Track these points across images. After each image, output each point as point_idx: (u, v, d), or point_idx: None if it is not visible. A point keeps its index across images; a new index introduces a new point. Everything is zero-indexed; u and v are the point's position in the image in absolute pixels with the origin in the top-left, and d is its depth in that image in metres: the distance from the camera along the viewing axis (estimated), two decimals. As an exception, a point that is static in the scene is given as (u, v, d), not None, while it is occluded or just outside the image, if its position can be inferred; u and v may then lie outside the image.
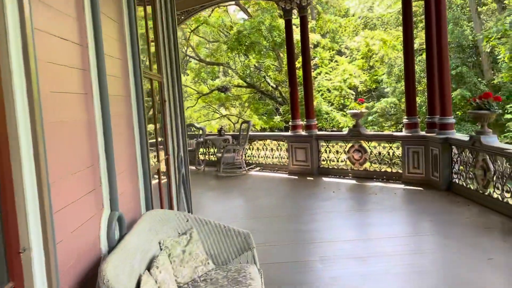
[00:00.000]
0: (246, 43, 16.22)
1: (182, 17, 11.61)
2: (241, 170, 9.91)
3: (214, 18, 18.73)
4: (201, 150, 11.38)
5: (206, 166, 10.80)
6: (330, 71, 18.84)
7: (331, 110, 17.38)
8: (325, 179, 8.74)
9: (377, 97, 25.17)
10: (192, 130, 11.51)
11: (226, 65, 20.82)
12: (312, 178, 8.90)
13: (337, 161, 9.00)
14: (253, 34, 16.04)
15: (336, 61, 19.24)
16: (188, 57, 22.08)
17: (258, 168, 10.20)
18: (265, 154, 10.31)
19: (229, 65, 20.79)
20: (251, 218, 6.31)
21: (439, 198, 6.75)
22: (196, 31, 20.54)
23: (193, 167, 10.95)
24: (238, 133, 10.46)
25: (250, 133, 10.28)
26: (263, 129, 24.90)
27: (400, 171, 8.09)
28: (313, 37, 17.29)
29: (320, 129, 20.11)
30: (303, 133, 9.39)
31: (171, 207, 4.54)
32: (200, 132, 11.27)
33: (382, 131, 17.96)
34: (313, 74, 17.90)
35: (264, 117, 22.88)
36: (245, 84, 22.41)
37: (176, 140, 5.14)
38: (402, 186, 7.66)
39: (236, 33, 16.56)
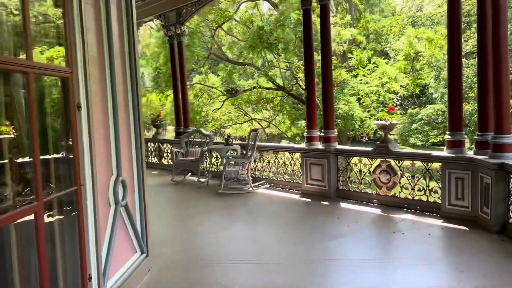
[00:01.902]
0: (269, 40, 14.66)
1: (193, 9, 10.28)
2: (247, 187, 8.41)
3: (241, 13, 17.37)
4: (208, 160, 9.99)
5: (212, 179, 9.37)
6: (368, 74, 16.95)
7: (366, 117, 15.48)
8: (343, 204, 7.07)
9: (425, 102, 22.96)
10: (198, 137, 10.12)
11: (252, 65, 19.36)
12: (327, 203, 7.24)
13: (360, 183, 7.30)
14: (276, 30, 14.47)
15: (374, 62, 17.30)
16: (214, 56, 20.81)
17: (267, 186, 8.65)
18: (277, 169, 8.74)
19: (257, 65, 19.31)
20: (231, 260, 4.79)
21: (490, 245, 4.96)
22: (223, 29, 19.25)
23: (196, 179, 9.56)
24: (246, 142, 8.96)
25: (259, 143, 8.75)
26: (295, 136, 23.25)
27: (438, 201, 6.30)
28: (346, 34, 15.48)
29: (353, 139, 18.44)
30: (320, 146, 7.75)
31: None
32: (207, 139, 9.87)
33: (419, 150, 15.96)
34: (348, 76, 16.10)
35: (298, 124, 21.29)
36: (274, 86, 20.88)
37: (115, 159, 3.73)
38: (440, 222, 5.89)
39: (257, 29, 15.04)
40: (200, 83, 21.45)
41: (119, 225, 3.79)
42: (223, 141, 9.52)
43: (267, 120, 24.89)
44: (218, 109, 22.51)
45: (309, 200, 7.49)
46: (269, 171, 8.87)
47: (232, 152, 9.39)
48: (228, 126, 26.96)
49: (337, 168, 7.59)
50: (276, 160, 8.75)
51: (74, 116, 3.01)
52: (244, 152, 8.89)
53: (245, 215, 6.83)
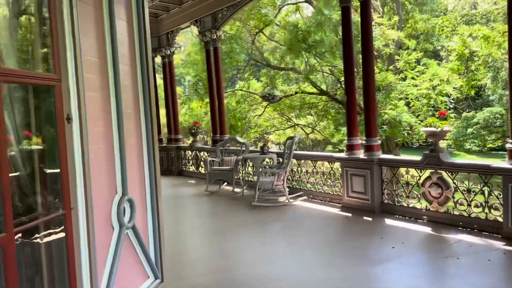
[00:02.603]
0: (307, 41, 14.04)
1: (228, 13, 9.92)
2: (283, 199, 7.86)
3: (281, 17, 16.89)
4: (244, 169, 9.55)
5: (249, 189, 8.91)
6: (417, 76, 15.91)
7: (416, 122, 14.46)
8: (388, 221, 6.35)
9: (480, 105, 21.42)
10: (234, 145, 9.70)
11: (293, 69, 18.80)
12: (370, 218, 6.56)
13: (407, 196, 6.55)
14: (316, 31, 13.83)
15: (424, 64, 16.23)
16: (255, 62, 20.43)
17: (304, 198, 8.06)
18: (315, 180, 8.12)
19: (299, 69, 18.73)
20: (260, 286, 4.26)
21: None
22: (264, 34, 18.83)
23: (231, 188, 9.13)
24: (283, 151, 8.43)
25: (296, 151, 8.19)
26: (340, 142, 22.35)
27: (500, 219, 5.46)
28: (392, 34, 14.59)
29: (402, 145, 17.37)
30: (362, 155, 7.07)
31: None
32: (243, 148, 9.43)
33: (476, 161, 14.78)
34: (393, 78, 15.16)
35: (342, 130, 20.46)
36: (317, 91, 20.19)
37: (119, 175, 3.34)
38: (501, 244, 5.07)
39: (294, 30, 14.47)
40: (241, 90, 21.15)
41: (126, 249, 3.39)
42: (259, 150, 9.02)
43: (310, 126, 24.20)
44: (260, 115, 22.11)
45: (349, 214, 6.83)
46: (307, 182, 8.27)
47: (269, 161, 8.89)
48: (271, 132, 26.52)
49: (381, 180, 6.88)
50: (315, 170, 8.14)
51: (62, 129, 2.63)
52: (281, 161, 8.36)
53: (279, 231, 6.28)
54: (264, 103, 22.00)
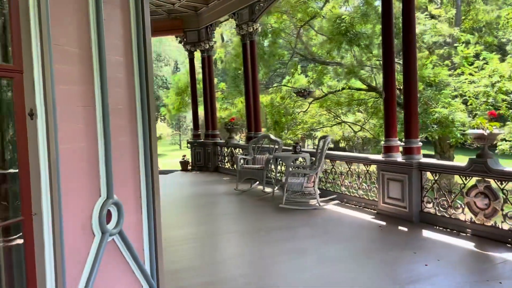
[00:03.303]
0: (349, 33, 13.30)
1: (265, 4, 9.52)
2: (313, 202, 7.37)
3: (328, 8, 16.19)
4: (276, 168, 9.13)
5: (281, 189, 8.48)
6: (476, 71, 14.66)
7: (471, 122, 13.29)
8: (425, 233, 5.70)
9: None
10: (267, 142, 9.30)
11: (339, 64, 18.02)
12: (405, 229, 5.93)
13: (449, 206, 5.85)
14: (361, 22, 13.05)
15: (484, 58, 14.91)
16: (301, 56, 19.85)
17: (336, 202, 7.51)
18: (350, 183, 7.55)
19: (346, 64, 17.93)
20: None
21: None
22: (308, 26, 18.19)
23: (262, 187, 8.75)
24: (315, 150, 7.91)
25: (330, 151, 7.66)
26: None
27: (558, 239, 4.69)
28: (446, 29, 13.49)
29: (458, 146, 16.11)
30: (400, 158, 6.43)
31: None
32: (276, 146, 9.01)
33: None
34: (448, 74, 14.04)
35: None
36: (365, 87, 19.28)
37: (104, 177, 3.06)
38: (559, 269, 4.32)
39: (337, 22, 13.75)
40: (285, 85, 20.64)
41: (111, 257, 3.10)
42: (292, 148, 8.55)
43: (358, 123, 23.26)
44: (304, 111, 21.51)
45: (383, 223, 6.23)
46: (341, 185, 7.71)
47: (302, 160, 8.41)
48: (317, 129, 25.85)
49: (420, 186, 6.21)
50: (350, 172, 7.56)
51: (22, 126, 2.36)
52: (314, 161, 7.86)
53: (302, 239, 5.80)
54: (310, 99, 21.39)
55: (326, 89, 20.64)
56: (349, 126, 23.97)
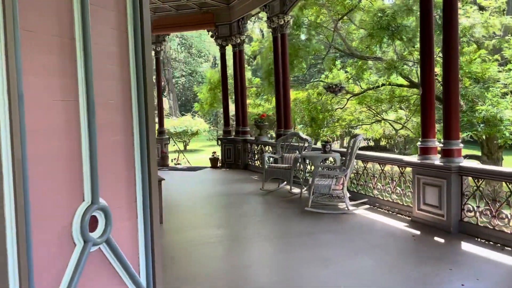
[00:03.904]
0: (391, 27, 12.53)
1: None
2: (342, 205, 6.87)
3: (367, 1, 15.40)
4: (303, 168, 8.67)
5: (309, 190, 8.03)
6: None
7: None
8: (465, 245, 5.09)
9: None
10: (296, 141, 8.84)
11: (379, 59, 17.17)
12: (442, 240, 5.33)
13: (494, 216, 5.20)
14: (404, 15, 12.25)
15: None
16: (338, 50, 19.14)
17: (367, 206, 6.97)
18: (383, 186, 6.98)
19: (386, 58, 17.07)
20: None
21: None
22: (348, 19, 17.43)
23: (289, 188, 8.31)
24: (345, 150, 7.39)
25: (361, 151, 7.12)
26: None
27: None
28: (495, 22, 12.44)
29: (505, 147, 14.92)
30: (438, 161, 5.82)
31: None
32: (306, 144, 8.54)
33: None
34: (497, 70, 12.98)
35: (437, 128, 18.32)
36: (407, 83, 18.31)
37: (88, 179, 2.77)
38: None
39: (377, 13, 12.99)
40: (322, 81, 19.99)
41: (98, 269, 2.81)
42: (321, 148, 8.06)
43: (399, 121, 22.23)
44: (342, 108, 20.77)
45: (418, 232, 5.65)
46: (374, 188, 7.15)
47: (332, 160, 7.91)
48: (356, 127, 24.99)
49: (460, 193, 5.58)
50: (383, 174, 6.99)
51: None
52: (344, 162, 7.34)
53: (330, 246, 5.30)
54: (348, 95, 20.64)
55: (365, 85, 19.82)
56: (390, 124, 22.97)
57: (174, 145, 14.22)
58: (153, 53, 13.31)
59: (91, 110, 2.74)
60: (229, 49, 12.45)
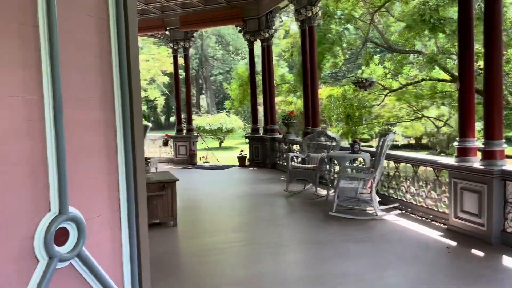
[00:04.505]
0: (432, 19, 11.68)
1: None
2: (370, 211, 6.33)
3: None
4: (330, 169, 8.14)
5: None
6: None
7: None
8: (507, 260, 4.45)
9: None
10: (324, 139, 8.32)
11: (418, 52, 16.22)
12: (481, 253, 4.70)
13: (543, 228, 4.52)
14: (445, 6, 11.39)
15: None
16: (375, 44, 18.28)
17: (398, 212, 6.38)
18: (416, 190, 6.36)
19: (427, 52, 16.10)
20: None
21: None
22: (386, 11, 16.57)
23: (317, 189, 7.82)
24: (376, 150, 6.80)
25: (392, 152, 6.53)
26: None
27: None
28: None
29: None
30: (478, 164, 5.17)
31: None
32: (334, 143, 8.01)
33: None
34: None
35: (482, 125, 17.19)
36: (449, 78, 17.21)
37: (55, 186, 2.46)
38: None
39: (418, 5, 12.15)
40: (356, 76, 19.20)
41: (68, 286, 2.49)
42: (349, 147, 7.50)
43: (441, 119, 21.05)
44: (378, 104, 19.88)
45: (453, 243, 5.04)
46: (406, 191, 6.54)
47: (361, 161, 7.36)
48: (395, 124, 23.96)
49: (503, 200, 4.92)
50: (416, 177, 6.37)
51: None
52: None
53: (354, 257, 4.78)
54: (385, 91, 19.73)
55: (404, 81, 18.87)
56: (431, 121, 21.83)
57: (202, 143, 13.98)
58: (181, 50, 13.12)
59: (58, 108, 2.41)
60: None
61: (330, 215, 6.25)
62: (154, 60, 28.07)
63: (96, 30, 2.73)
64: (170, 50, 13.30)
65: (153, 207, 5.88)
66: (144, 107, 32.89)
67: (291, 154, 8.13)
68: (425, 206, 6.14)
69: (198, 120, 25.58)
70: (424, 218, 6.05)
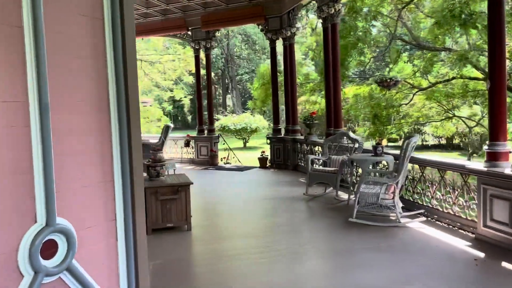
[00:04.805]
0: (463, 14, 11.13)
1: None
2: (393, 217, 6.01)
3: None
4: (351, 172, 7.83)
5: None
6: None
7: None
8: (543, 277, 4.09)
9: None
10: (346, 141, 8.02)
11: (448, 49, 15.59)
12: (513, 267, 4.35)
13: None
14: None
15: None
16: (403, 42, 17.70)
17: (423, 219, 6.03)
18: (443, 196, 5.99)
19: (458, 49, 15.45)
20: None
21: None
22: (415, 6, 16.00)
23: (337, 193, 7.54)
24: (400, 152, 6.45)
25: (417, 155, 6.19)
26: None
27: None
28: None
29: None
30: (508, 170, 4.79)
31: None
32: (356, 145, 7.70)
33: None
34: None
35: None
36: (482, 76, 16.47)
37: (41, 196, 2.34)
38: None
39: (449, 2, 11.61)
40: (379, 75, 18.67)
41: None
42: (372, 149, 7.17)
43: (474, 118, 20.23)
44: (407, 103, 19.26)
45: (482, 255, 4.69)
46: (432, 197, 6.18)
47: (385, 165, 7.04)
48: (425, 124, 23.23)
49: (539, 209, 4.54)
50: (443, 182, 6.00)
51: None
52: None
53: (372, 269, 4.46)
54: (414, 90, 19.10)
55: (434, 79, 18.20)
56: (463, 121, 21.02)
57: (223, 144, 13.85)
58: (203, 50, 13.02)
59: (44, 113, 2.28)
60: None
61: (349, 221, 5.97)
62: (180, 60, 28.22)
63: (89, 31, 2.60)
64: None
65: (167, 211, 5.76)
66: (170, 107, 33.12)
67: (311, 157, 7.86)
68: (452, 213, 5.78)
69: (223, 120, 25.54)
70: (450, 226, 5.69)
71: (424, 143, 28.44)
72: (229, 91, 45.80)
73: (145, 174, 6.53)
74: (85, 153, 2.55)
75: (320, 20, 9.40)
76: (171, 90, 30.13)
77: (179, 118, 41.94)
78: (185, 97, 33.16)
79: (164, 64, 27.31)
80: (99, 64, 2.64)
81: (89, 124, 2.59)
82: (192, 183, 5.87)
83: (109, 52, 2.69)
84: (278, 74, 12.80)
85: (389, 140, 26.43)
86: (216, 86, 47.10)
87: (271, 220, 6.46)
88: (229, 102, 45.69)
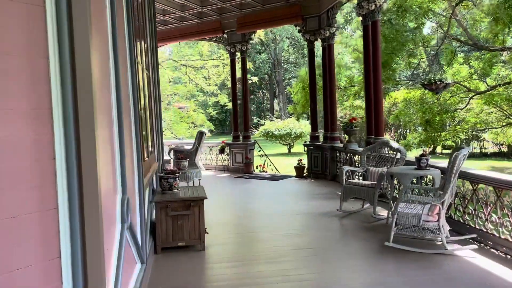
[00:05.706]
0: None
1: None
2: (437, 242, 5.11)
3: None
4: (390, 186, 6.94)
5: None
6: None
7: None
8: None
9: None
10: (387, 151, 7.14)
11: (502, 49, 14.09)
12: None
13: None
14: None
15: None
16: (458, 42, 16.29)
17: (474, 247, 5.08)
18: (499, 219, 5.02)
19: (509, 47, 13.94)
20: None
21: None
22: (471, 3, 14.64)
23: (375, 210, 6.68)
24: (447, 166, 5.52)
25: (467, 170, 5.26)
26: None
27: None
28: None
29: None
30: None
31: None
32: (398, 155, 6.82)
33: None
34: None
35: None
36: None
37: None
38: None
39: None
40: (427, 77, 17.30)
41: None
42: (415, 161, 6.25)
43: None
44: (462, 108, 17.75)
45: (550, 298, 3.74)
46: (486, 219, 5.21)
47: (430, 179, 6.13)
48: (483, 131, 21.44)
49: None
50: (499, 202, 5.03)
51: None
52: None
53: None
54: (470, 94, 17.56)
55: (492, 82, 16.64)
56: (527, 128, 19.15)
57: (259, 151, 13.24)
58: (239, 52, 12.53)
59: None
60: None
61: (385, 245, 5.14)
62: (224, 65, 28.02)
63: (24, 21, 2.08)
64: (238, 54, 12.72)
65: (178, 228, 5.22)
66: (214, 112, 33.03)
67: (346, 168, 7.04)
68: (510, 240, 4.80)
69: (267, 125, 25.01)
70: (508, 256, 4.72)
71: (483, 150, 26.37)
72: (276, 96, 45.26)
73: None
74: (16, 175, 2.03)
75: (360, 18, 8.57)
76: (216, 96, 30.02)
77: (227, 123, 41.90)
78: (229, 102, 32.96)
79: (208, 69, 27.20)
80: (37, 64, 2.12)
81: (21, 139, 2.07)
82: (206, 198, 5.29)
83: (52, 48, 2.16)
84: (318, 77, 12.04)
85: (444, 147, 24.73)
86: (264, 91, 46.73)
87: (298, 241, 5.73)
88: (276, 107, 45.18)
